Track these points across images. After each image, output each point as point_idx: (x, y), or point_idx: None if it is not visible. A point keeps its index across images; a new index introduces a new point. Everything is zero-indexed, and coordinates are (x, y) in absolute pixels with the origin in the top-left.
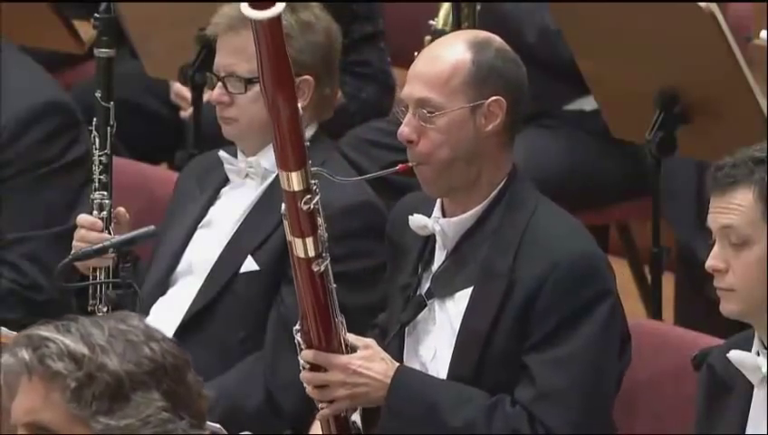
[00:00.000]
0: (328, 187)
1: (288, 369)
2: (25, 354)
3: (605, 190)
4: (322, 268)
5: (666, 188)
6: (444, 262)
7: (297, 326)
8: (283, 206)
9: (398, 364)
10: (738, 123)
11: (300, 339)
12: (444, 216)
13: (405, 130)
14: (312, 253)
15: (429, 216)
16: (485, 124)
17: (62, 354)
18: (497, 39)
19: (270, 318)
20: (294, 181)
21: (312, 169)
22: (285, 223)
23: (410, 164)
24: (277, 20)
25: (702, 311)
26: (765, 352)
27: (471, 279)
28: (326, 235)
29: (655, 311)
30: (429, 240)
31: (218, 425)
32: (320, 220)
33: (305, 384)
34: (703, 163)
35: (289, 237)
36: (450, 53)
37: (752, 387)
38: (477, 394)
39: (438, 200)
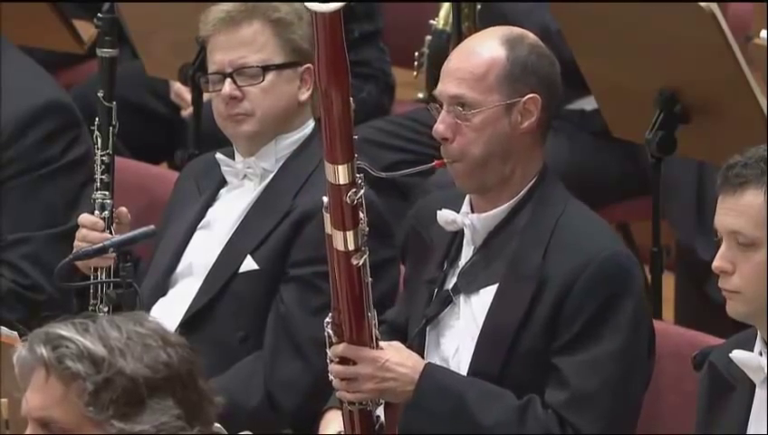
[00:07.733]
0: (322, 185)
1: (287, 368)
2: (44, 351)
3: (605, 190)
4: (361, 262)
5: (666, 188)
6: (471, 257)
7: (328, 319)
8: (325, 198)
9: (426, 361)
10: (738, 123)
11: (330, 331)
12: (472, 211)
13: (440, 128)
14: (351, 246)
15: (457, 212)
16: (521, 121)
17: (82, 356)
18: (530, 35)
19: (269, 318)
20: (341, 174)
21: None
22: (326, 215)
23: (445, 161)
24: (338, 13)
25: (702, 310)
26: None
27: (497, 275)
28: (367, 229)
29: (655, 311)
30: (456, 236)
31: (218, 425)
32: (362, 215)
33: (332, 377)
34: (703, 163)
35: (329, 230)
36: (485, 49)
37: (753, 386)
38: (505, 394)
39: (467, 197)
